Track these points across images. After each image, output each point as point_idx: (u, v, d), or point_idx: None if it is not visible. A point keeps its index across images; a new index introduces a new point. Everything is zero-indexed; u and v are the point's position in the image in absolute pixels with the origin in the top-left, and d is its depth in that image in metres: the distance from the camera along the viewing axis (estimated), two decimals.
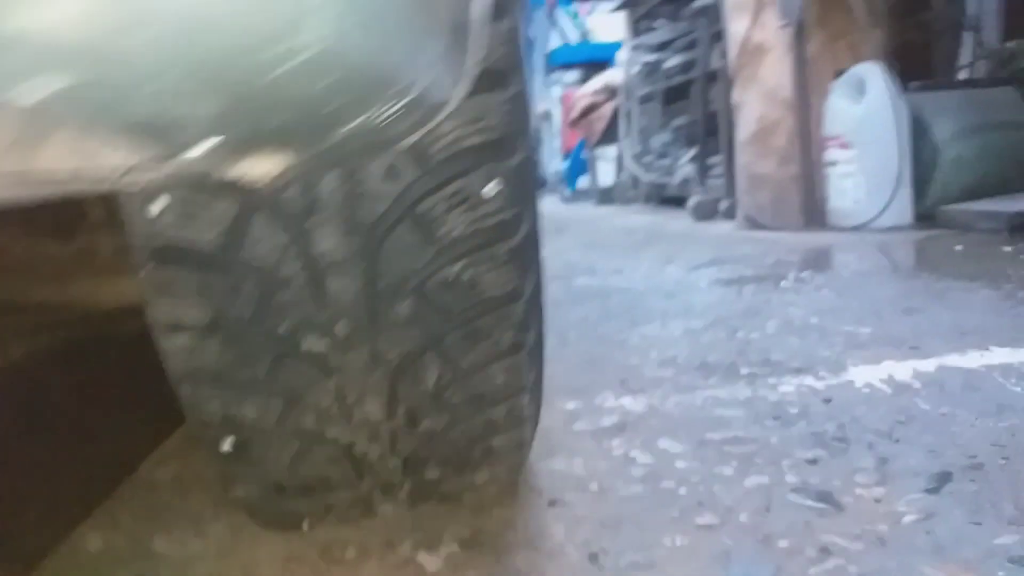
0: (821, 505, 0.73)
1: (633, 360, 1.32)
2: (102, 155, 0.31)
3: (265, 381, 0.54)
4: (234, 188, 0.48)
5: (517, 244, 0.54)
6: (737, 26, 2.88)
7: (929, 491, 0.74)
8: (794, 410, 1.00)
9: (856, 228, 2.52)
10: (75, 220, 0.90)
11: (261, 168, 0.28)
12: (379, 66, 0.23)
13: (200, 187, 0.47)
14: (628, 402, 1.10)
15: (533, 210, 0.58)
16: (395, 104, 0.26)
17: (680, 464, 0.86)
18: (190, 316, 0.51)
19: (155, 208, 0.47)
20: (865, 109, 2.47)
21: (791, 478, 0.80)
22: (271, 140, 0.25)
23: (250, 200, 0.48)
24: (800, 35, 2.64)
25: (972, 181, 2.46)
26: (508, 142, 0.51)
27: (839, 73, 2.61)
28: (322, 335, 0.53)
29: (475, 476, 0.68)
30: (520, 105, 0.53)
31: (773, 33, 2.70)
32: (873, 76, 2.46)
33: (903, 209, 2.48)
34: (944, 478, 0.76)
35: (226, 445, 0.57)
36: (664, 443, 0.93)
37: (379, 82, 0.24)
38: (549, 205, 5.73)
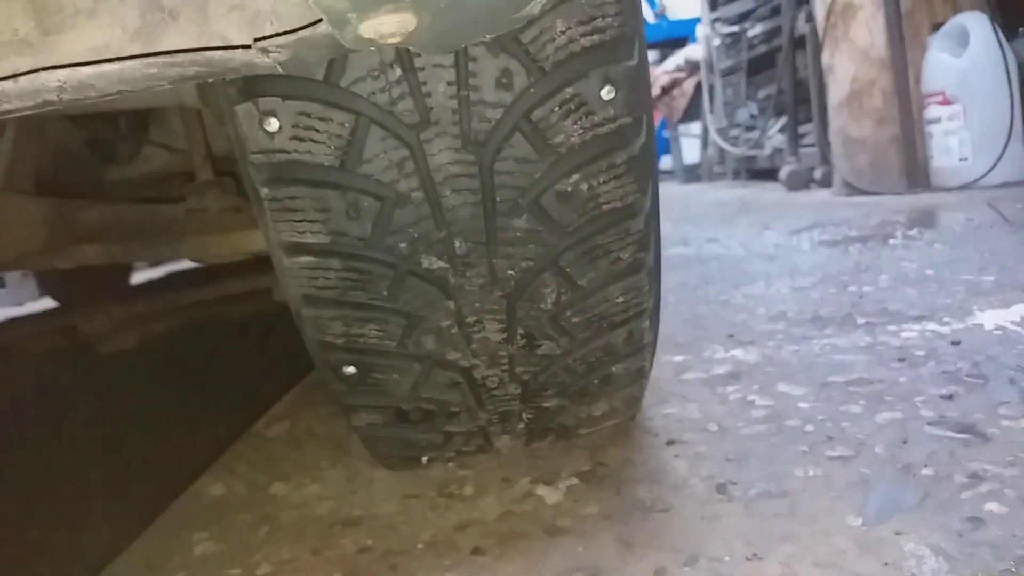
0: (965, 436, 0.69)
1: (740, 317, 1.28)
2: (227, 35, 0.31)
3: (386, 301, 0.54)
4: (350, 100, 0.47)
5: (636, 153, 0.52)
6: None
7: None
8: (921, 352, 0.94)
9: (964, 187, 2.37)
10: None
11: (389, 29, 0.27)
12: None
13: (318, 100, 0.48)
14: (739, 353, 1.06)
15: (651, 118, 0.55)
16: None
17: (803, 405, 0.83)
18: (311, 235, 0.51)
19: (273, 124, 0.48)
20: (969, 61, 2.32)
21: (927, 412, 0.75)
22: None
23: (366, 113, 0.48)
24: None
25: None
26: (623, 44, 0.50)
27: (937, 26, 2.47)
28: (441, 253, 0.52)
29: (593, 407, 0.66)
30: (634, 5, 0.51)
31: None
32: (976, 25, 2.31)
33: (1016, 164, 2.32)
34: None
35: (350, 368, 0.57)
36: (783, 387, 0.90)
37: None
38: None
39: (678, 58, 4.72)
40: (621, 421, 0.73)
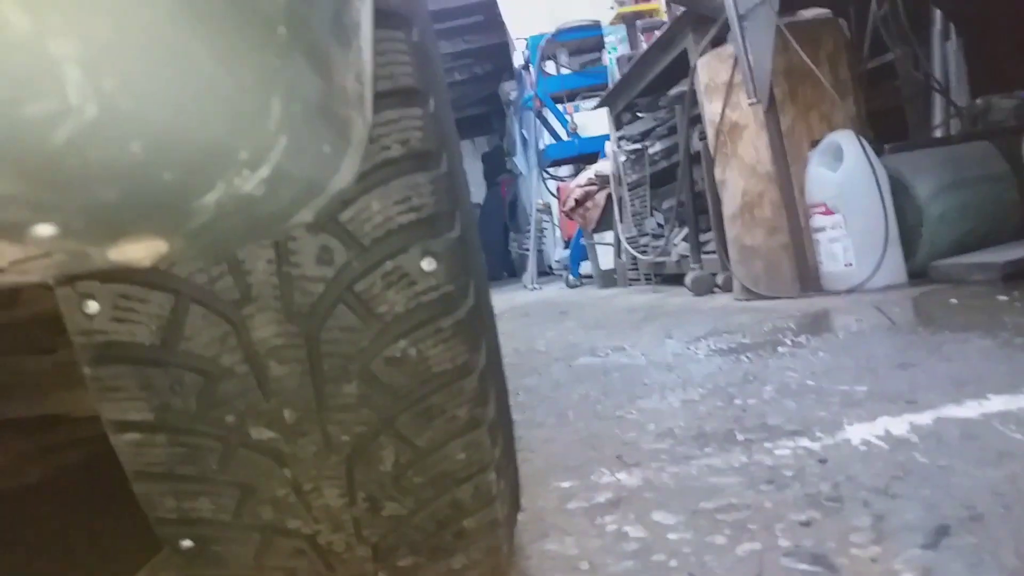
0: (815, 568, 0.71)
1: (631, 434, 1.30)
2: None
3: (218, 474, 0.54)
4: (169, 281, 0.49)
5: (463, 317, 0.55)
6: (712, 108, 2.97)
7: (926, 547, 0.71)
8: (789, 473, 0.98)
9: (851, 290, 2.51)
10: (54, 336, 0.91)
11: (137, 255, 0.28)
12: (204, 138, 0.24)
13: (135, 282, 0.48)
14: (623, 477, 1.08)
15: (480, 282, 0.58)
16: (247, 176, 0.26)
17: (672, 536, 0.84)
18: (136, 413, 0.51)
19: (92, 306, 0.48)
20: (844, 175, 2.51)
21: (784, 542, 0.77)
22: (117, 221, 0.25)
23: (185, 292, 0.49)
24: (772, 111, 2.72)
25: (960, 235, 2.48)
26: (441, 219, 0.53)
27: (815, 143, 2.67)
28: (270, 423, 0.53)
29: (451, 561, 0.66)
30: (452, 183, 0.54)
31: (746, 111, 2.78)
32: (847, 143, 2.51)
33: (895, 268, 2.49)
34: (942, 532, 0.73)
35: (186, 542, 0.56)
36: (658, 516, 0.91)
37: (210, 154, 0.24)
38: (554, 292, 5.77)
39: (589, 172, 4.94)
40: (489, 569, 0.72)
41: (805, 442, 1.10)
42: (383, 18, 0.51)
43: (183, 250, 0.32)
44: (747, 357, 1.80)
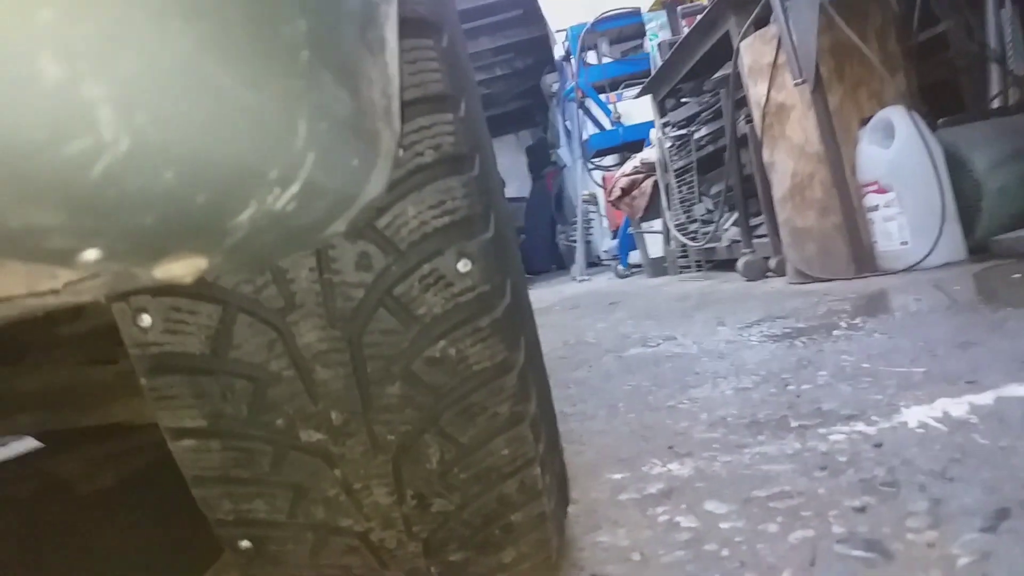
0: (869, 555, 0.70)
1: (683, 424, 1.30)
2: (35, 284, 0.34)
3: (270, 476, 0.56)
4: (216, 292, 0.51)
5: (500, 316, 0.56)
6: (757, 90, 2.92)
7: (985, 530, 0.69)
8: (843, 458, 0.96)
9: (908, 269, 2.44)
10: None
11: (179, 272, 0.30)
12: (234, 162, 0.25)
13: (184, 295, 0.51)
14: (675, 467, 1.08)
15: (517, 280, 0.59)
16: (279, 194, 0.28)
17: (724, 525, 0.84)
18: (190, 420, 0.54)
19: (145, 319, 0.51)
20: (896, 152, 2.44)
21: (838, 529, 0.76)
22: (157, 243, 0.26)
23: (232, 302, 0.51)
24: (819, 90, 2.66)
25: (1022, 208, 2.38)
26: (476, 220, 0.54)
27: (865, 121, 2.60)
28: (318, 425, 0.55)
29: (501, 555, 0.67)
30: (485, 185, 0.55)
31: (792, 92, 2.72)
32: (898, 118, 2.44)
33: (954, 244, 2.41)
34: (1002, 515, 0.71)
35: (244, 543, 0.58)
36: (710, 505, 0.91)
37: (241, 176, 0.26)
38: (603, 283, 5.74)
39: (635, 161, 4.90)
40: (541, 561, 0.73)
41: (860, 426, 1.08)
42: (412, 27, 0.52)
43: (222, 265, 0.33)
44: (801, 342, 1.77)
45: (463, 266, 0.53)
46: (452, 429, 0.57)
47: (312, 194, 0.30)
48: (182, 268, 0.31)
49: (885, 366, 1.38)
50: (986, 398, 1.07)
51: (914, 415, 1.07)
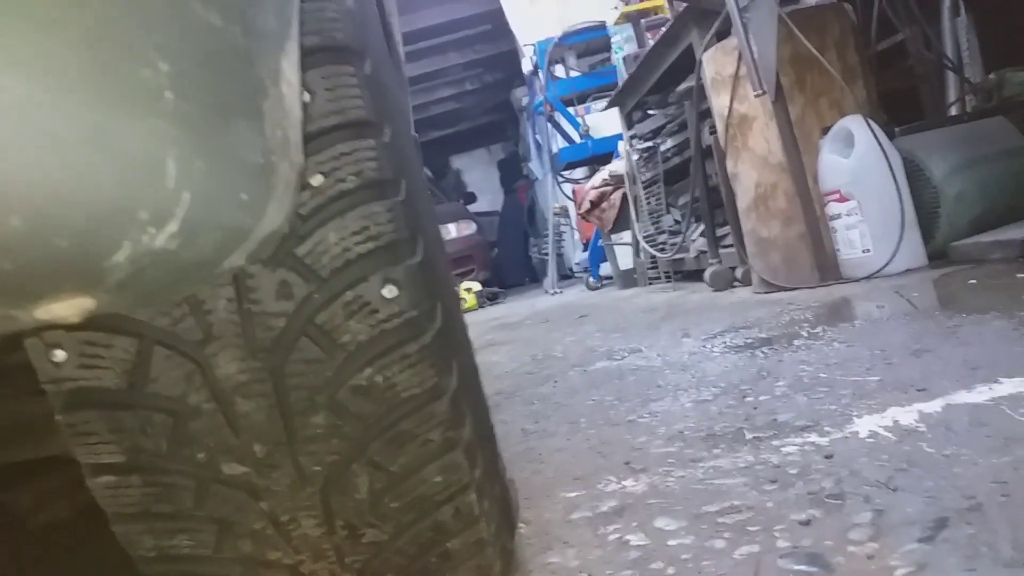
0: (811, 569, 0.70)
1: (641, 439, 1.30)
2: None
3: (194, 510, 0.55)
4: (132, 325, 0.50)
5: (429, 341, 0.55)
6: (720, 102, 2.95)
7: (923, 540, 0.70)
8: (794, 471, 0.97)
9: (870, 277, 2.48)
10: None
11: (64, 313, 0.29)
12: (93, 205, 0.24)
13: (99, 329, 0.50)
14: (630, 483, 1.08)
15: (448, 304, 0.59)
16: (155, 233, 0.27)
17: (672, 542, 0.83)
18: (108, 456, 0.52)
19: (59, 355, 0.50)
20: (856, 160, 2.47)
21: (783, 543, 0.76)
22: (27, 287, 0.26)
23: (149, 335, 0.50)
24: (780, 100, 2.69)
25: (979, 213, 2.43)
26: (401, 245, 0.53)
27: (826, 130, 2.64)
28: (241, 458, 0.54)
29: None
30: (412, 209, 0.55)
31: (754, 103, 2.75)
32: (857, 128, 2.48)
33: (914, 251, 2.45)
34: (940, 524, 0.72)
35: None
36: (660, 522, 0.91)
37: (104, 218, 0.25)
38: (574, 295, 5.75)
39: (603, 173, 4.93)
40: None
41: (813, 437, 1.08)
42: (331, 54, 0.52)
43: (113, 303, 0.33)
44: (762, 352, 1.79)
45: (389, 292, 0.53)
46: (381, 458, 0.56)
47: (195, 231, 0.30)
48: (66, 309, 0.30)
49: (842, 375, 1.39)
50: (935, 406, 1.08)
51: (866, 425, 1.08)
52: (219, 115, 0.29)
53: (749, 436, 1.16)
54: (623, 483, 1.08)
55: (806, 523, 0.79)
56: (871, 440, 1.01)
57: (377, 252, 0.52)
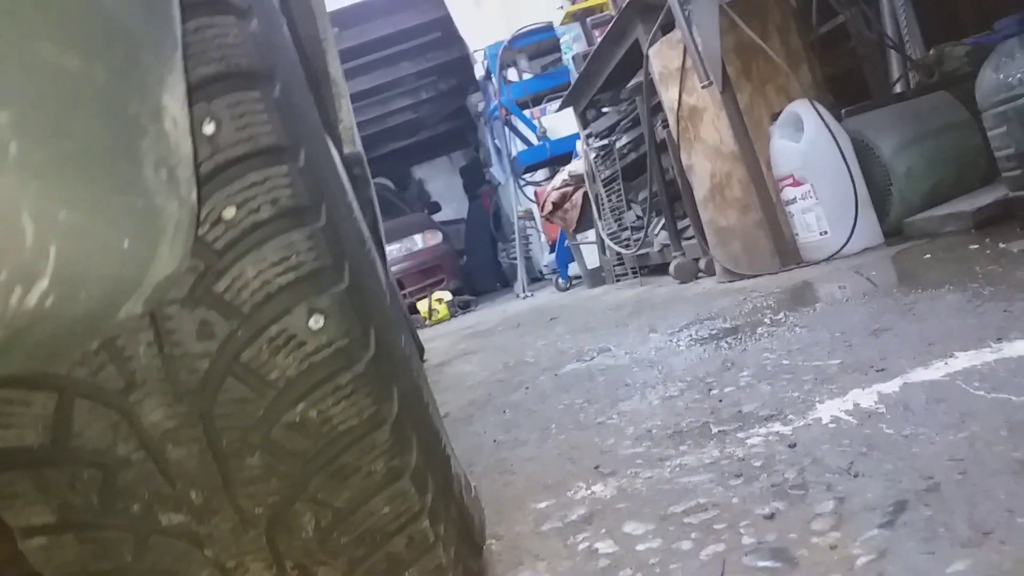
0: (775, 564, 0.69)
1: (609, 441, 1.29)
2: None
3: (134, 564, 0.53)
4: (49, 379, 0.48)
5: (363, 370, 0.54)
6: (669, 95, 2.97)
7: (883, 526, 0.70)
8: (758, 463, 0.97)
9: (830, 258, 2.50)
10: None
11: None
12: None
13: (14, 385, 0.47)
14: (599, 488, 1.07)
15: (383, 327, 0.57)
16: (23, 293, 0.25)
17: (641, 547, 0.83)
18: (38, 517, 0.50)
19: None
20: (806, 144, 2.50)
21: (748, 540, 0.76)
22: None
23: (68, 388, 0.48)
24: (728, 90, 2.72)
25: (930, 187, 2.46)
26: (326, 273, 0.52)
27: (775, 116, 2.66)
28: (178, 507, 0.52)
29: None
30: (335, 234, 0.53)
31: (703, 95, 2.77)
32: (805, 112, 2.51)
33: (870, 230, 2.48)
34: (900, 508, 0.72)
35: None
36: (629, 527, 0.90)
37: None
38: (544, 297, 5.75)
39: (563, 174, 4.94)
40: None
41: (777, 427, 1.09)
42: (235, 80, 0.50)
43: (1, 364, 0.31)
44: (727, 343, 1.79)
45: (315, 323, 0.51)
46: (324, 494, 0.54)
47: (72, 286, 0.28)
48: None
49: (804, 361, 1.40)
50: (893, 385, 1.09)
51: (827, 410, 1.08)
52: (83, 162, 0.28)
53: (715, 430, 1.16)
54: (592, 488, 1.08)
55: (770, 517, 0.79)
56: (833, 425, 1.02)
57: (299, 282, 0.51)
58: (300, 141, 0.53)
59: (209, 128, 0.48)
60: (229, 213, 0.48)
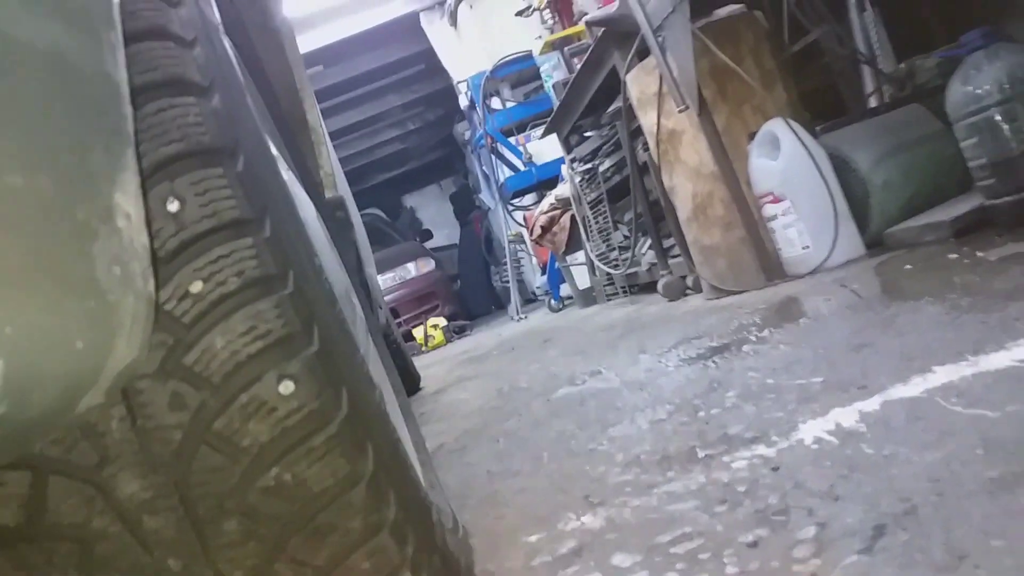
0: None
1: (600, 469, 1.30)
2: None
3: None
4: (23, 459, 0.49)
5: (336, 430, 0.55)
6: (648, 120, 3.01)
7: (863, 552, 0.71)
8: (742, 488, 0.98)
9: (813, 272, 2.52)
10: None
11: None
12: None
13: None
14: (588, 519, 1.08)
15: (355, 386, 0.58)
16: None
17: None
18: None
19: None
20: (784, 162, 2.53)
21: (731, 569, 0.77)
22: None
23: (41, 466, 0.49)
24: (705, 112, 2.75)
25: (907, 198, 2.50)
26: (294, 338, 0.53)
27: (751, 136, 2.70)
28: (157, 575, 0.53)
29: None
30: (303, 299, 0.55)
31: (680, 118, 2.81)
32: (781, 130, 2.54)
33: (851, 242, 2.50)
34: (879, 532, 0.73)
35: None
36: (617, 559, 0.91)
37: None
38: (538, 319, 5.77)
39: (550, 198, 4.97)
40: None
41: (761, 449, 1.10)
42: (197, 158, 0.52)
43: None
44: (714, 362, 1.81)
45: (285, 388, 0.52)
46: (304, 554, 0.55)
47: (24, 392, 0.29)
48: None
49: (787, 379, 1.41)
50: (873, 403, 1.10)
51: (810, 430, 1.10)
52: (31, 274, 0.29)
53: (701, 455, 1.17)
54: (582, 519, 1.08)
55: (753, 545, 0.80)
56: (815, 447, 1.03)
57: (268, 350, 0.52)
58: (265, 212, 0.55)
59: (173, 206, 0.49)
60: (196, 287, 0.50)
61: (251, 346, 0.51)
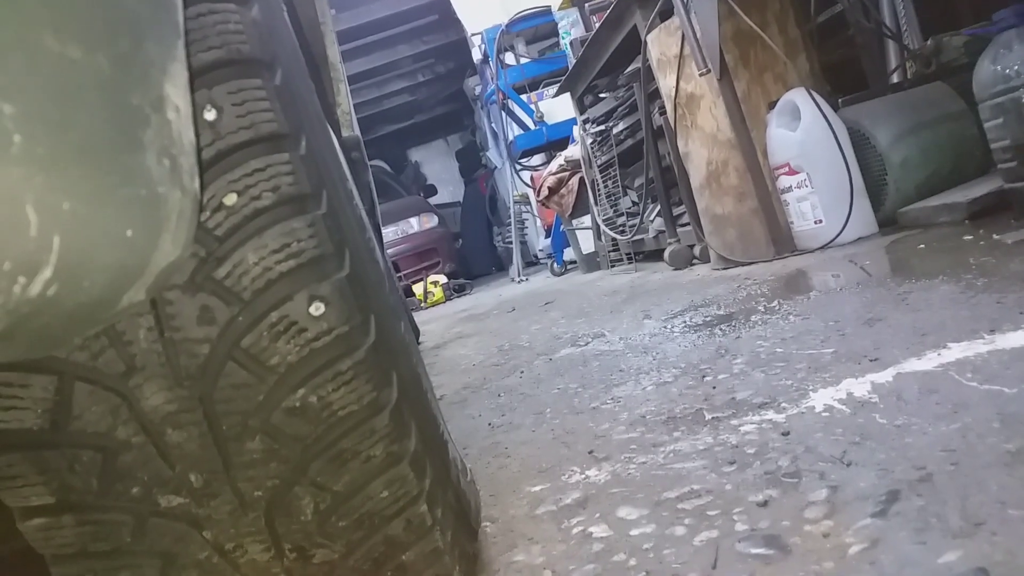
0: (769, 551, 0.70)
1: (604, 426, 1.30)
2: None
3: (133, 546, 0.53)
4: (49, 363, 0.48)
5: (363, 356, 0.54)
6: (667, 82, 2.96)
7: (876, 515, 0.71)
8: (752, 450, 0.97)
9: (824, 247, 2.51)
10: None
11: None
12: None
13: (14, 368, 0.48)
14: (593, 473, 1.08)
15: (383, 315, 0.57)
16: (27, 283, 0.25)
17: (634, 532, 0.84)
18: (37, 498, 0.50)
19: None
20: (803, 133, 2.50)
21: (741, 526, 0.77)
22: None
23: (68, 372, 0.48)
24: (726, 78, 2.71)
25: (925, 177, 2.47)
26: (326, 261, 0.52)
27: (772, 105, 2.66)
28: (178, 489, 0.52)
29: None
30: (336, 222, 0.53)
31: (700, 82, 2.76)
32: (802, 101, 2.50)
33: (864, 219, 2.48)
34: (892, 498, 0.73)
35: None
36: (623, 511, 0.91)
37: None
38: (540, 282, 5.76)
39: (559, 159, 4.93)
40: None
41: (770, 415, 1.09)
42: (236, 67, 0.50)
43: (5, 353, 0.31)
44: (721, 330, 1.80)
45: (316, 309, 0.51)
46: (324, 478, 0.55)
47: (76, 275, 0.28)
48: None
49: (797, 349, 1.41)
50: (887, 375, 1.10)
51: (821, 399, 1.09)
52: (87, 153, 0.28)
53: (708, 417, 1.17)
54: (586, 473, 1.08)
55: (763, 504, 0.80)
56: (826, 414, 1.03)
57: (300, 269, 0.51)
58: (301, 128, 0.53)
59: (210, 115, 0.48)
60: (230, 200, 0.49)
61: (283, 264, 0.50)
